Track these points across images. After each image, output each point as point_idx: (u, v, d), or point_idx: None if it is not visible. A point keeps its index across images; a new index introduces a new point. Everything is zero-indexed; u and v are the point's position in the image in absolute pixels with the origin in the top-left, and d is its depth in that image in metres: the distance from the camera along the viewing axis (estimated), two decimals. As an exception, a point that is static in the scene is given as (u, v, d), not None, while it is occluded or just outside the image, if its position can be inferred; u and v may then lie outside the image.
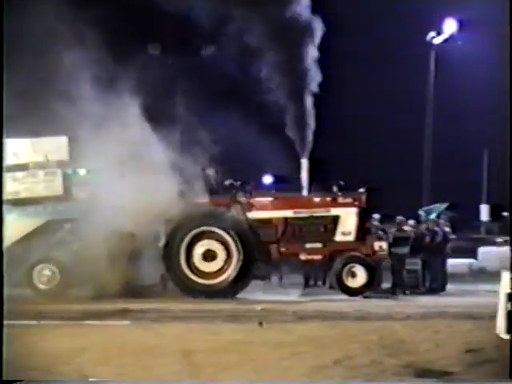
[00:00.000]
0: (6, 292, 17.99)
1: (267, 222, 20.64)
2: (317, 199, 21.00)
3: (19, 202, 19.41)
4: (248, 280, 20.48)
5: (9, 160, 18.69)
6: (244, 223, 20.40)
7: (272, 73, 20.32)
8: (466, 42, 20.79)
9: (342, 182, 21.24)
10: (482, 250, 31.82)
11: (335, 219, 20.65)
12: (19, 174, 19.49)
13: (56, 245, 19.82)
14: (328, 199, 20.92)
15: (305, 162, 20.85)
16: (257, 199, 20.85)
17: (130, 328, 14.53)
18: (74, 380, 10.40)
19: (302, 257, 20.62)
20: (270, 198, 21.05)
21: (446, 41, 21.57)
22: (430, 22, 20.99)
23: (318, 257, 20.53)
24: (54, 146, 19.64)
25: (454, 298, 20.70)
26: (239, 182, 20.97)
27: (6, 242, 18.33)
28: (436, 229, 22.75)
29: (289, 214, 20.69)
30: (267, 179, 37.08)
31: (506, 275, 13.23)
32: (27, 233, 19.42)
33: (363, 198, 20.85)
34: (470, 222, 35.63)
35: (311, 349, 11.90)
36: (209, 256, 20.27)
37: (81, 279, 19.41)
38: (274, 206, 20.85)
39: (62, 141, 19.71)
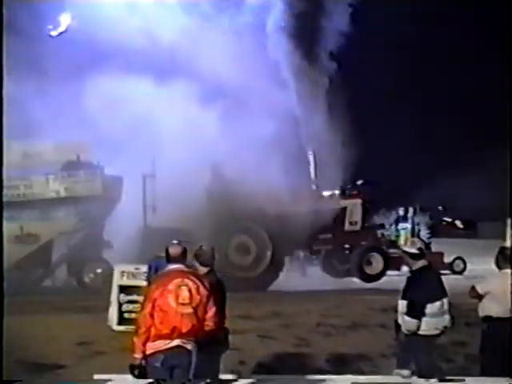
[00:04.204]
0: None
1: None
2: (325, 192, 21.38)
3: (56, 202, 18.75)
4: (278, 272, 20.32)
5: (32, 160, 18.51)
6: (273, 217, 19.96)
7: None
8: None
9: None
10: None
11: (343, 211, 21.32)
12: (60, 174, 18.80)
13: (102, 243, 19.31)
14: (336, 192, 21.44)
15: (311, 157, 21.07)
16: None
17: None
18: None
19: (315, 247, 21.20)
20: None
21: (62, 33, 21.81)
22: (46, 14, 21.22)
23: (328, 247, 21.25)
24: (79, 147, 19.05)
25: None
26: None
27: (44, 239, 18.53)
28: None
29: (301, 207, 20.55)
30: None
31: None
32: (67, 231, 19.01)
33: (367, 189, 21.67)
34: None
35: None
36: (242, 250, 20.12)
37: None
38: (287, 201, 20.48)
39: (85, 142, 19.11)
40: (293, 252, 21.82)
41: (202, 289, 7.77)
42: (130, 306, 13.00)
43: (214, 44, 21.17)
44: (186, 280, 7.75)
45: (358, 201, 21.83)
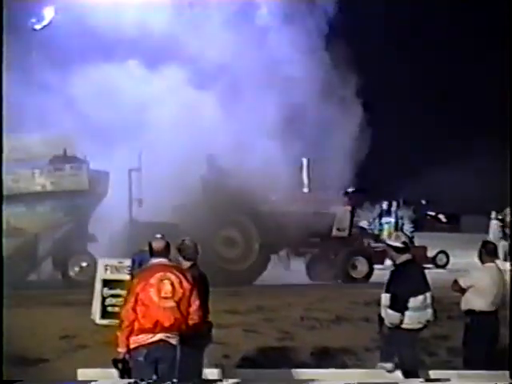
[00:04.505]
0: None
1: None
2: (317, 196, 21.23)
3: (42, 196, 18.64)
4: (264, 268, 20.26)
5: (18, 154, 18.05)
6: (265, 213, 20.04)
7: None
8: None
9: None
10: None
11: (332, 216, 21.27)
12: (47, 168, 18.63)
13: (87, 237, 19.12)
14: (327, 197, 21.42)
15: (305, 161, 20.85)
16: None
17: None
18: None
19: (301, 249, 21.08)
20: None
21: (46, 26, 21.81)
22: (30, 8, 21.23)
23: (315, 250, 21.12)
24: (65, 141, 18.87)
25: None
26: None
27: (30, 233, 18.44)
28: None
29: (292, 208, 20.41)
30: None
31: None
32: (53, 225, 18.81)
33: (356, 197, 21.89)
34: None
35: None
36: (229, 243, 20.06)
37: None
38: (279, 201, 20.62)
39: (72, 136, 18.96)
40: (279, 250, 21.73)
41: (184, 282, 7.76)
42: (113, 300, 12.99)
43: (205, 28, 21.10)
44: (169, 274, 7.75)
45: (348, 208, 21.89)
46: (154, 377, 7.74)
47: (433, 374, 9.69)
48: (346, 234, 21.64)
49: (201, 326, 7.96)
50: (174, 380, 7.70)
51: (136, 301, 7.65)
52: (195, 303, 7.78)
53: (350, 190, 22.30)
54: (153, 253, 7.98)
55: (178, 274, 7.80)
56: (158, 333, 7.63)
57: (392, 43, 34.29)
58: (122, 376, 7.86)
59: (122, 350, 7.71)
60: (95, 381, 8.44)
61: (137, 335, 7.64)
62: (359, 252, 21.34)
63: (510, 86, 13.46)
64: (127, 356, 7.72)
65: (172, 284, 7.68)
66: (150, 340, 7.64)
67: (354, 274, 20.87)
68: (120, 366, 7.76)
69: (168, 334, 7.65)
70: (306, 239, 20.95)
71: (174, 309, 7.65)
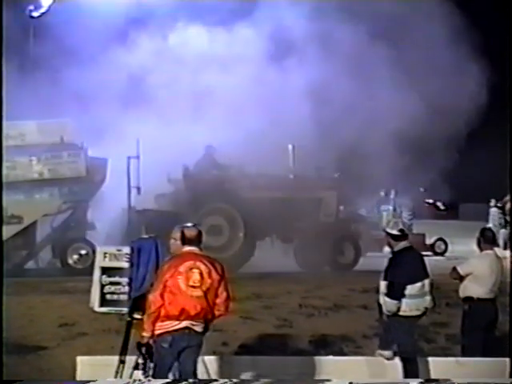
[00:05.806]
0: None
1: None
2: (303, 182, 21.11)
3: (40, 184, 18.74)
4: (250, 255, 20.13)
5: (15, 141, 17.98)
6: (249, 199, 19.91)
7: None
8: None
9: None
10: None
11: (319, 201, 21.18)
12: (44, 155, 18.62)
13: (86, 225, 19.24)
14: (312, 182, 21.33)
15: (290, 147, 20.80)
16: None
17: None
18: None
19: (288, 235, 20.98)
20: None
21: (43, 14, 21.82)
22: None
23: (302, 236, 20.87)
24: (63, 128, 18.85)
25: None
26: None
27: (28, 220, 18.47)
28: None
29: (277, 194, 20.39)
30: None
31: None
32: (51, 213, 18.89)
33: (342, 182, 21.74)
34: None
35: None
36: (214, 231, 19.78)
37: None
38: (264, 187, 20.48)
39: (69, 123, 18.96)
40: (265, 237, 21.67)
41: (213, 273, 7.82)
42: (112, 288, 12.92)
43: None
44: (198, 263, 7.80)
45: (334, 193, 21.76)
46: (176, 364, 7.84)
47: (431, 360, 9.72)
48: (332, 219, 21.54)
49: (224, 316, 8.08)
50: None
51: (164, 287, 7.71)
52: (223, 295, 7.86)
53: (336, 174, 22.27)
54: (185, 241, 7.98)
55: (207, 263, 7.84)
56: (183, 320, 7.70)
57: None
58: (144, 359, 7.90)
59: (146, 334, 7.80)
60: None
61: (163, 321, 7.72)
62: (346, 237, 21.24)
63: (511, 73, 13.47)
64: (151, 341, 7.81)
65: (201, 273, 7.73)
66: (176, 327, 7.71)
67: (341, 260, 20.84)
68: (143, 349, 7.85)
69: (193, 322, 7.73)
70: (292, 225, 20.85)
71: (201, 298, 7.72)
